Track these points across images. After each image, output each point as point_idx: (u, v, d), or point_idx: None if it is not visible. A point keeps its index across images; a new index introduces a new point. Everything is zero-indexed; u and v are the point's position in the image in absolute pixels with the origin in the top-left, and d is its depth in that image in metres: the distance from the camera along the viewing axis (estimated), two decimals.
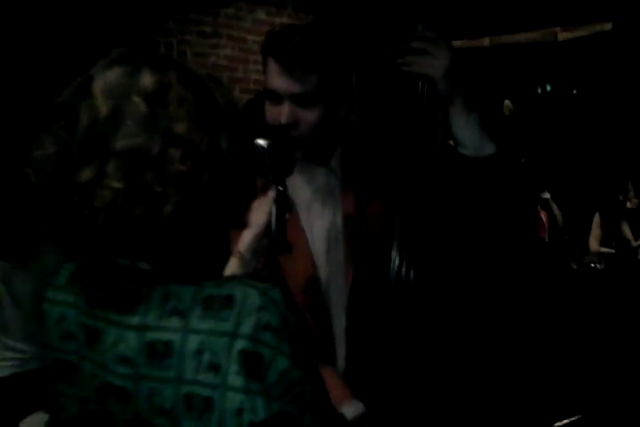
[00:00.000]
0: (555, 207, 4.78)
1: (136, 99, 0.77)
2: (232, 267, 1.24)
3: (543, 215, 4.75)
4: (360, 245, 1.41)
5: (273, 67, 1.32)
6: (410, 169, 1.36)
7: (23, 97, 3.17)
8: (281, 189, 1.27)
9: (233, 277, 0.86)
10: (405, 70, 1.33)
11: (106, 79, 0.79)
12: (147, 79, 0.79)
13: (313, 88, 1.32)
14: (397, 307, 1.35)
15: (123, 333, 0.84)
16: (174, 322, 0.81)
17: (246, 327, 0.80)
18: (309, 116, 1.34)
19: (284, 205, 1.27)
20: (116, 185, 0.75)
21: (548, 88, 5.95)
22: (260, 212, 1.26)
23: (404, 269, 1.35)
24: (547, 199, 4.70)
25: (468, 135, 1.31)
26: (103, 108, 0.77)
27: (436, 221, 1.40)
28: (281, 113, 1.32)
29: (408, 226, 1.36)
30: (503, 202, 1.36)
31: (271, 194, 1.26)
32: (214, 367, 0.80)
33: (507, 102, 5.30)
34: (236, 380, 0.79)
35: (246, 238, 1.25)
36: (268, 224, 1.26)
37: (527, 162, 4.30)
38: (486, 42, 4.78)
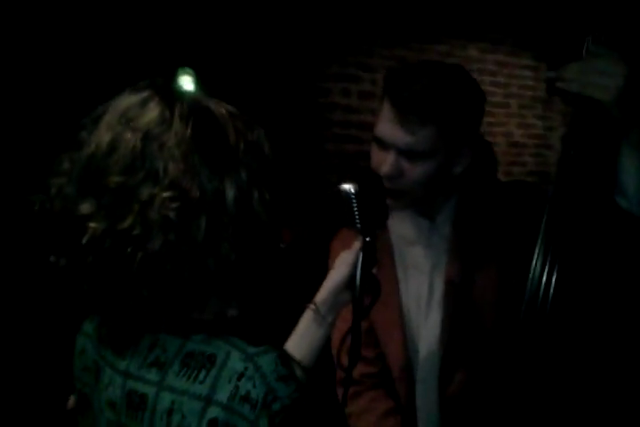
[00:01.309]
0: None
1: (130, 134, 0.73)
2: (305, 321, 1.14)
3: None
4: (458, 314, 1.24)
5: (387, 110, 1.19)
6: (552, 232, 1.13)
7: None
8: (368, 239, 1.15)
9: (226, 334, 0.77)
10: (572, 94, 1.06)
11: (114, 109, 0.77)
12: (150, 113, 0.75)
13: (426, 144, 1.16)
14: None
15: (113, 376, 0.80)
16: (152, 374, 0.76)
17: (222, 395, 0.72)
18: (415, 172, 1.18)
19: (371, 257, 1.15)
20: (94, 225, 0.72)
21: None
22: (343, 263, 1.15)
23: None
24: None
25: (636, 184, 1.03)
26: (104, 140, 0.74)
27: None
28: (385, 162, 1.19)
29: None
30: None
31: (357, 245, 1.15)
32: None
33: None
34: None
35: (324, 291, 1.14)
36: (352, 277, 1.15)
37: None
38: None
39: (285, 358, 0.76)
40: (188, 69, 3.67)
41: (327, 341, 1.16)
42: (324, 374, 1.22)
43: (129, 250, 0.71)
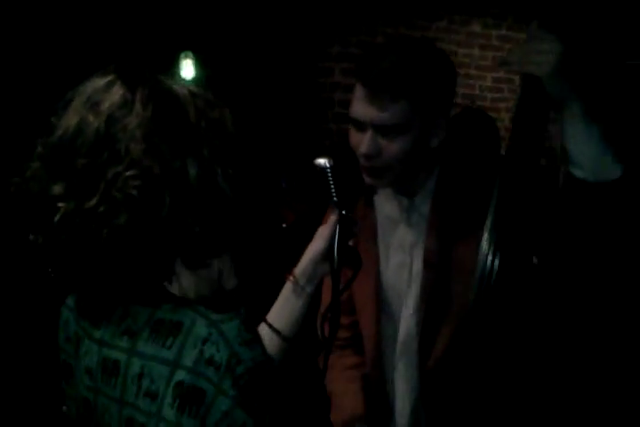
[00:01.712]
0: None
1: (94, 118, 0.77)
2: (285, 292, 1.19)
3: None
4: (436, 290, 1.28)
5: (359, 92, 1.23)
6: (503, 202, 1.15)
7: None
8: (344, 213, 1.18)
9: (193, 303, 0.81)
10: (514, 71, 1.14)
11: (81, 93, 0.80)
12: (113, 96, 0.78)
13: (399, 118, 1.19)
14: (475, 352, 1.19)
15: (90, 344, 0.85)
16: (124, 342, 0.80)
17: (188, 359, 0.76)
18: (393, 148, 1.21)
19: (348, 230, 1.18)
20: (64, 205, 0.76)
21: None
22: (320, 236, 1.19)
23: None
24: None
25: (584, 151, 1.05)
26: (71, 124, 0.78)
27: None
28: (362, 141, 1.22)
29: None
30: (622, 243, 1.10)
31: (333, 218, 1.18)
32: (152, 395, 0.77)
33: None
34: (168, 412, 0.76)
35: (302, 263, 1.19)
36: (330, 249, 1.19)
37: None
38: None
39: (249, 325, 0.80)
40: (188, 53, 3.70)
41: (310, 310, 1.20)
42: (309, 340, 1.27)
43: (95, 226, 0.75)
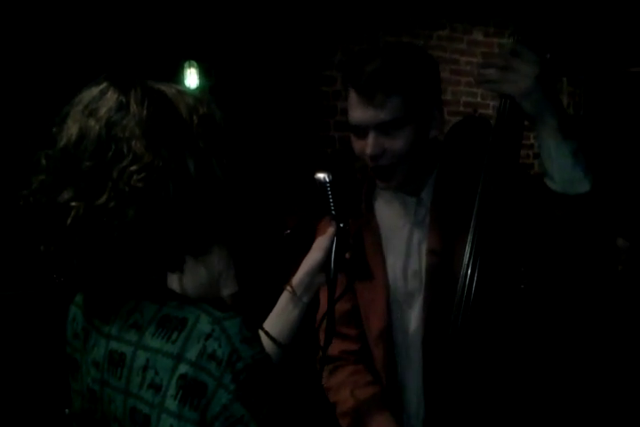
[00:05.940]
0: None
1: (94, 123, 0.81)
2: (282, 301, 1.22)
3: None
4: (439, 281, 1.30)
5: (353, 98, 1.27)
6: (488, 194, 1.19)
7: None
8: (342, 225, 1.21)
9: (197, 301, 0.85)
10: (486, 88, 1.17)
11: (78, 103, 0.85)
12: (109, 102, 0.83)
13: (396, 113, 1.24)
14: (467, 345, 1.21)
15: (98, 338, 0.89)
16: (131, 335, 0.84)
17: (191, 353, 0.79)
18: (396, 144, 1.26)
19: (345, 242, 1.22)
20: (76, 204, 0.80)
21: None
22: (318, 248, 1.22)
23: (471, 296, 1.20)
24: None
25: (555, 165, 1.10)
26: (72, 132, 0.82)
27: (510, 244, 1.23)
28: (367, 145, 1.26)
29: (482, 250, 1.20)
30: (583, 248, 1.14)
31: (331, 231, 1.22)
32: (155, 386, 0.80)
33: None
34: (171, 403, 0.79)
35: (300, 273, 1.22)
36: (327, 261, 1.22)
37: None
38: None
39: (250, 323, 0.83)
40: (192, 62, 3.75)
41: (309, 321, 1.23)
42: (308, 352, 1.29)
43: (107, 221, 0.79)
